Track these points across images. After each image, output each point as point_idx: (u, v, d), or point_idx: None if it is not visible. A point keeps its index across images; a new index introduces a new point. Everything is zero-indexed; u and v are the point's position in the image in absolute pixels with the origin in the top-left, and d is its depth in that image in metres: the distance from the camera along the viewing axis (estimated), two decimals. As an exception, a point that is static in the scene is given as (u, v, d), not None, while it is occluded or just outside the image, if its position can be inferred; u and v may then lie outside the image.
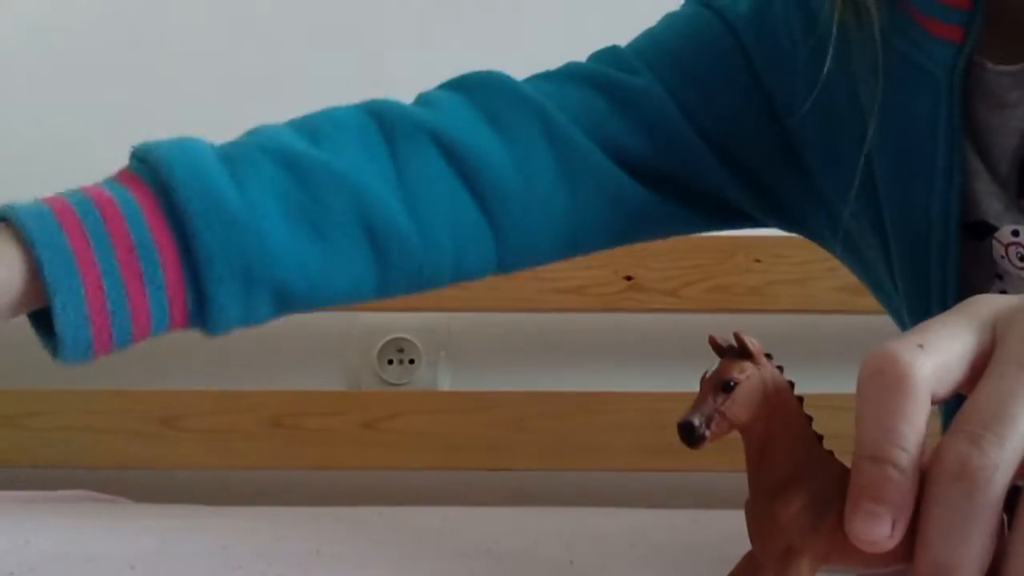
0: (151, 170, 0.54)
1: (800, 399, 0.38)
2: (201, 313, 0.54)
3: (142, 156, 0.55)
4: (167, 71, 1.23)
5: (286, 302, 0.58)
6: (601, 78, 0.65)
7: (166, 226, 0.52)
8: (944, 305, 0.58)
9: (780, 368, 0.38)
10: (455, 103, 0.63)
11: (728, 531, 0.65)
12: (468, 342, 1.25)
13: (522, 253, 0.65)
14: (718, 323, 1.25)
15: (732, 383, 0.36)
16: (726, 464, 1.13)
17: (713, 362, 0.38)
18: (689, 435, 0.36)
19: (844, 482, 0.35)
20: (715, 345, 0.38)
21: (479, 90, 0.64)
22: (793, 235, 1.17)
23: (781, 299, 1.17)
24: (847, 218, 0.64)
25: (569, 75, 0.66)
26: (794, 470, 0.37)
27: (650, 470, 1.16)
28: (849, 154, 0.61)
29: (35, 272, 0.48)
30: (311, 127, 0.60)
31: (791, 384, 0.38)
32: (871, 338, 0.40)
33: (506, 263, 0.65)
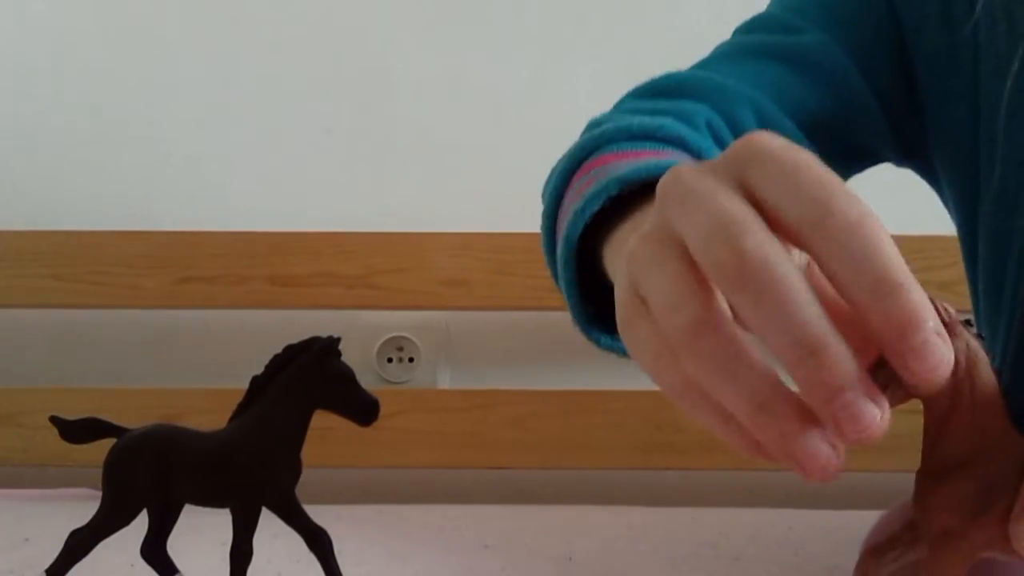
0: (681, 149, 0.53)
1: (998, 373, 0.35)
2: None
3: (642, 134, 0.54)
4: (167, 71, 1.23)
5: None
6: (773, 47, 0.65)
7: None
8: (1021, 264, 0.58)
9: (980, 337, 0.35)
10: (712, 115, 0.62)
11: (727, 528, 0.65)
12: (467, 341, 1.25)
13: None
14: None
15: None
16: (725, 462, 1.13)
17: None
18: None
19: None
20: None
21: (712, 95, 0.62)
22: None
23: (780, 298, 1.17)
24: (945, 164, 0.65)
25: (742, 53, 0.66)
26: (973, 449, 0.34)
27: (649, 468, 1.16)
28: (953, 99, 0.62)
29: None
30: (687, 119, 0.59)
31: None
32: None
33: None
